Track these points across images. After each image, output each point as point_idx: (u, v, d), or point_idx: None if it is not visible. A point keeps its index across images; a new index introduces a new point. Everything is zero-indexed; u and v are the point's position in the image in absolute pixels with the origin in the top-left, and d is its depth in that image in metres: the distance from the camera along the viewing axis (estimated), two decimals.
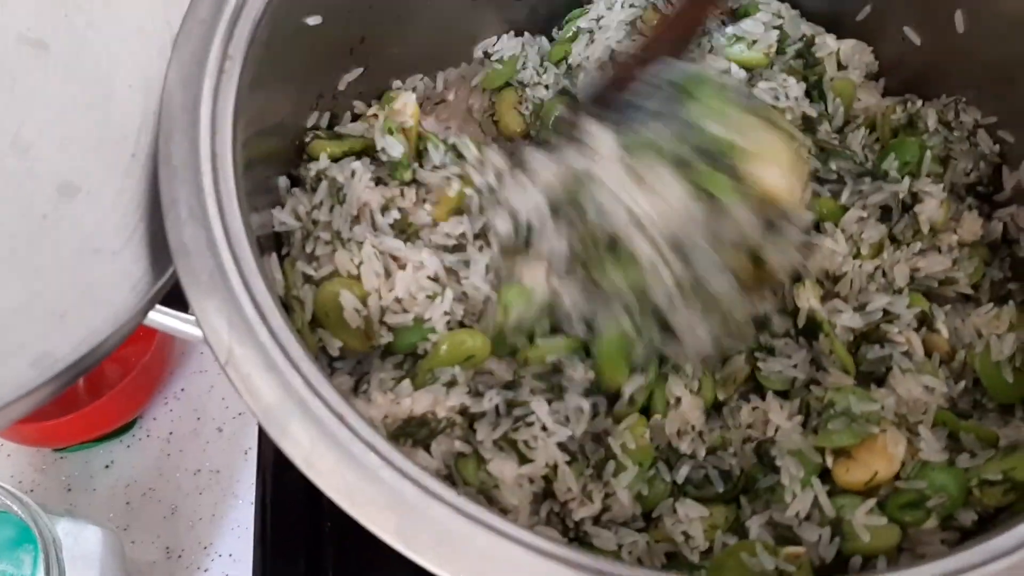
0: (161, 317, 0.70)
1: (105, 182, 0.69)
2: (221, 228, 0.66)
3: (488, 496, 0.74)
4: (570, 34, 1.01)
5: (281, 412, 0.60)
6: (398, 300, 0.81)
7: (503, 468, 0.74)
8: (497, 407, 0.78)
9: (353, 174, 0.85)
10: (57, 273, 0.65)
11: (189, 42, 0.72)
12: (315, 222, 0.84)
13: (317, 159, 0.87)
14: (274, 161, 0.85)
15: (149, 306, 0.67)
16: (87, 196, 0.68)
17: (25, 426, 1.07)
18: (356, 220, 0.85)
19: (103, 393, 1.11)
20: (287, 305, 0.79)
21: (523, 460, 0.76)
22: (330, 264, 0.81)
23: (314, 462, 0.59)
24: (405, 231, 0.86)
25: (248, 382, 0.61)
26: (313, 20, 0.83)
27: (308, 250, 0.83)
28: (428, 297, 0.81)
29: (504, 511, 0.74)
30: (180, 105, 0.70)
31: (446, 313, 0.81)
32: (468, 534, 0.58)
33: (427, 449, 0.76)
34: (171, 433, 1.18)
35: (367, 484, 0.59)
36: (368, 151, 0.90)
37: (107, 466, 1.16)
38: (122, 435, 1.17)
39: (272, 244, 0.82)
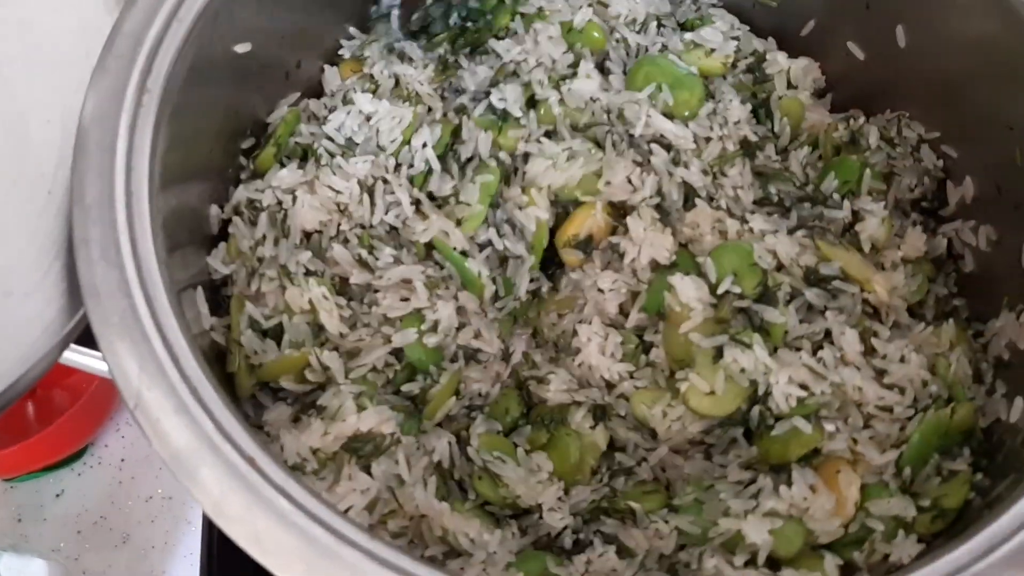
0: (78, 356, 0.69)
1: (19, 222, 0.68)
2: (134, 268, 0.65)
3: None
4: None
5: (190, 457, 0.59)
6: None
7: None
8: None
9: (295, 200, 0.84)
10: None
11: (105, 77, 0.71)
12: (260, 259, 0.83)
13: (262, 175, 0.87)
14: (205, 191, 0.84)
15: (62, 346, 0.66)
16: (1, 236, 0.67)
17: None
18: (304, 245, 0.84)
19: (52, 421, 1.10)
20: (227, 347, 0.78)
21: None
22: (279, 302, 0.80)
23: (224, 508, 0.58)
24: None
25: (157, 427, 0.60)
26: (242, 48, 0.82)
27: (254, 288, 0.81)
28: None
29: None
30: (95, 142, 0.69)
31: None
32: None
33: (368, 471, 0.75)
34: (123, 460, 1.17)
35: (277, 530, 0.58)
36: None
37: (58, 495, 1.15)
38: (73, 463, 1.16)
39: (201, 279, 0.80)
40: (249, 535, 0.58)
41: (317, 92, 0.94)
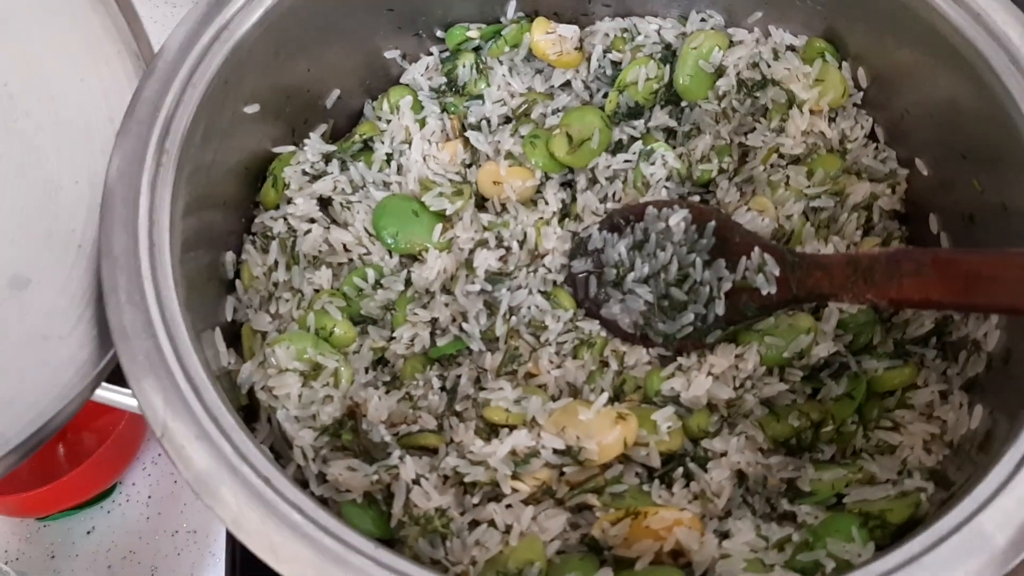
0: (108, 394, 0.76)
1: (54, 273, 0.76)
2: (158, 311, 0.72)
3: None
4: None
5: (211, 478, 0.66)
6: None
7: None
8: None
9: (309, 230, 0.92)
10: (6, 361, 0.71)
11: (127, 140, 0.78)
12: (275, 284, 0.91)
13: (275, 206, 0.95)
14: (220, 239, 0.91)
15: (94, 386, 0.73)
16: (37, 286, 0.75)
17: (7, 497, 1.12)
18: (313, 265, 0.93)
19: (82, 461, 1.16)
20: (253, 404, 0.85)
21: None
22: (293, 324, 0.88)
23: (242, 523, 0.65)
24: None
25: (181, 452, 0.67)
26: (251, 109, 0.90)
27: (272, 311, 0.89)
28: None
29: None
30: (120, 199, 0.76)
31: None
32: None
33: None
34: (149, 497, 1.23)
35: (291, 540, 0.64)
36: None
37: (88, 532, 1.21)
38: (102, 501, 1.23)
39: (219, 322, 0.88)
40: (266, 546, 0.64)
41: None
